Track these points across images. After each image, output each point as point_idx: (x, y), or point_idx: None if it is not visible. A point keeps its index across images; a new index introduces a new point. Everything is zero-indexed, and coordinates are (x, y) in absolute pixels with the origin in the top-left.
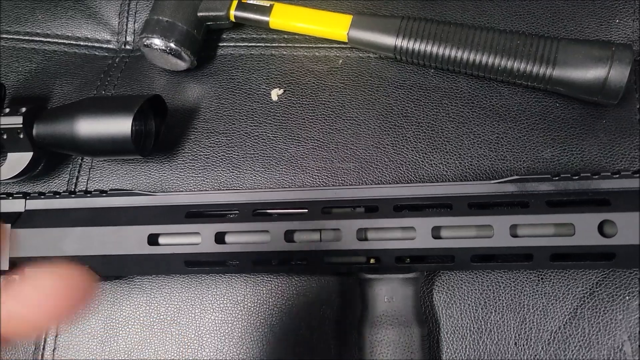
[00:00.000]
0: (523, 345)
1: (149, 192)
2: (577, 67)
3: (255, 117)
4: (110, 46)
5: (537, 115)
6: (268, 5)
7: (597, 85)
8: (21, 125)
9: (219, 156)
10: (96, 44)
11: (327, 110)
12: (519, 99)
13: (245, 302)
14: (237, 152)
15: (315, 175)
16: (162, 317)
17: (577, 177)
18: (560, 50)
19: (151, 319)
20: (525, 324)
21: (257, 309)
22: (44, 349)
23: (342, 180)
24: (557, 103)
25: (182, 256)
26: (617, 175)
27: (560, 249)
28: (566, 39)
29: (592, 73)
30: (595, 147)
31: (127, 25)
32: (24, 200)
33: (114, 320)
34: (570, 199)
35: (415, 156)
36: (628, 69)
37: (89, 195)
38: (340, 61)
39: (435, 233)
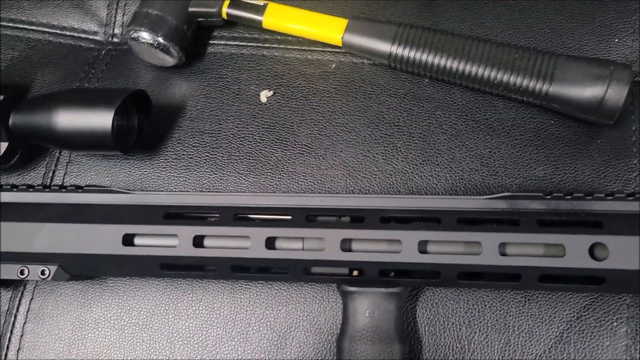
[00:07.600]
0: None
1: (127, 190)
2: (574, 85)
3: (243, 118)
4: (97, 38)
5: (531, 131)
6: (262, 4)
7: (594, 104)
8: None
9: (203, 157)
10: (82, 35)
11: (317, 115)
12: (513, 113)
13: (222, 310)
14: (222, 154)
15: (301, 181)
16: (133, 320)
17: (569, 197)
18: (559, 66)
19: (122, 323)
20: (510, 345)
21: (233, 317)
22: (7, 348)
23: (328, 187)
24: (552, 120)
25: (158, 259)
26: (611, 197)
27: (550, 270)
28: (565, 55)
29: (590, 91)
30: (589, 167)
31: (115, 17)
32: None
33: (83, 322)
34: (562, 219)
35: (405, 167)
36: (626, 89)
37: (64, 190)
38: (334, 65)
39: (422, 247)
